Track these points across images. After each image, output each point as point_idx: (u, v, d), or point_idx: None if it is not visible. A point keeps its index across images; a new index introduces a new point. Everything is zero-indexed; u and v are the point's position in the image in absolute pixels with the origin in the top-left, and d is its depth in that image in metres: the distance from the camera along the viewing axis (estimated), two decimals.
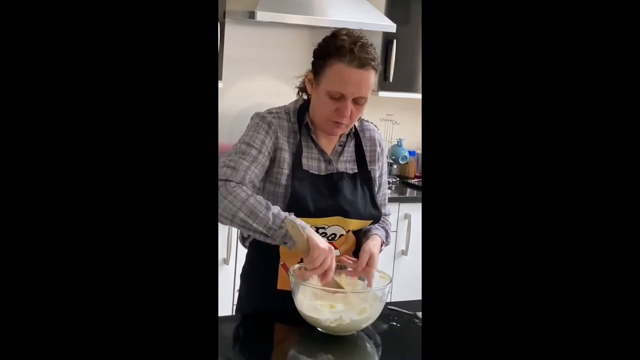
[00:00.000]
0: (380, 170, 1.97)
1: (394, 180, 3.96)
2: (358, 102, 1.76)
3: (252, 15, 3.25)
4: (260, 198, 1.69)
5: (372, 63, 1.74)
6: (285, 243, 1.68)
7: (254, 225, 1.66)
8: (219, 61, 3.32)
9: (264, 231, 1.67)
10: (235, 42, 3.61)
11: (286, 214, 1.68)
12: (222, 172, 1.72)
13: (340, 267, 1.82)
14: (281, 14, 3.30)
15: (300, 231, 1.64)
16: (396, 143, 4.00)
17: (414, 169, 4.07)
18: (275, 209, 1.68)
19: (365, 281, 1.82)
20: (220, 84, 3.40)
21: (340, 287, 1.74)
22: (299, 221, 1.67)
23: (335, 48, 1.73)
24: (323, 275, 1.67)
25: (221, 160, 1.75)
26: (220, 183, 1.69)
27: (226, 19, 3.41)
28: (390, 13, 3.70)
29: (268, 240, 1.69)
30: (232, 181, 1.70)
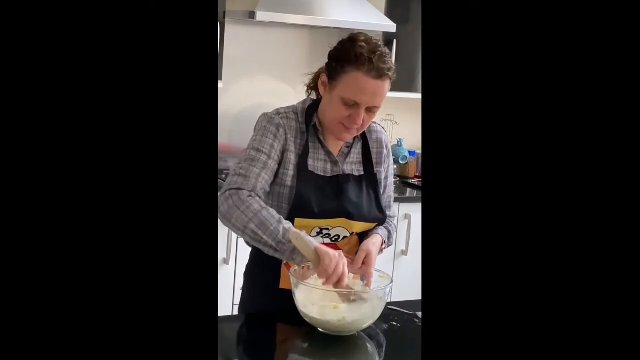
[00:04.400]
0: (386, 172, 1.97)
1: (394, 180, 3.95)
2: (371, 110, 1.77)
3: (252, 15, 3.25)
4: (273, 212, 1.68)
5: (389, 73, 1.74)
6: (293, 259, 1.66)
7: (264, 237, 1.64)
8: (219, 61, 3.31)
9: (274, 244, 1.65)
10: (235, 42, 3.61)
11: (297, 230, 1.66)
12: (234, 180, 1.71)
13: None
14: (281, 14, 3.30)
15: (306, 242, 1.63)
16: (396, 143, 4.00)
17: (414, 169, 4.07)
18: (287, 224, 1.67)
19: (365, 281, 1.82)
20: (220, 84, 3.40)
21: (351, 288, 1.72)
22: (306, 236, 1.65)
23: (354, 55, 1.72)
24: (338, 283, 1.63)
25: (231, 168, 1.75)
26: (232, 192, 1.68)
27: (226, 19, 3.41)
28: (390, 13, 3.70)
29: (277, 255, 1.67)
30: (244, 190, 1.69)
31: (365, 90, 1.72)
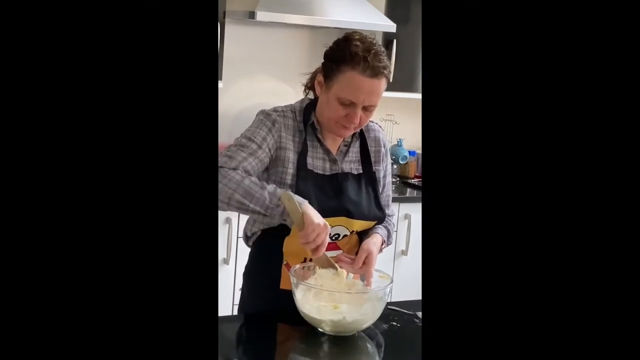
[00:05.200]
0: (385, 171, 1.97)
1: (394, 180, 3.95)
2: (368, 109, 1.77)
3: (252, 15, 3.25)
4: (254, 179, 1.69)
5: (384, 71, 1.73)
6: (284, 220, 1.67)
7: (251, 205, 1.66)
8: (219, 61, 3.31)
9: (262, 211, 1.66)
10: (235, 42, 3.61)
11: (282, 190, 1.68)
12: (219, 161, 1.72)
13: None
14: (281, 14, 3.30)
15: (296, 205, 1.64)
16: (396, 143, 4.00)
17: (414, 169, 4.07)
18: (271, 187, 1.68)
19: (365, 281, 1.82)
20: (220, 84, 3.40)
21: (332, 264, 1.73)
22: (297, 197, 1.67)
23: (349, 54, 1.72)
24: (315, 251, 1.65)
25: (220, 152, 1.76)
26: None
27: (226, 19, 3.41)
28: (390, 13, 3.70)
29: (267, 220, 1.69)
30: (226, 167, 1.70)
31: (361, 89, 1.72)
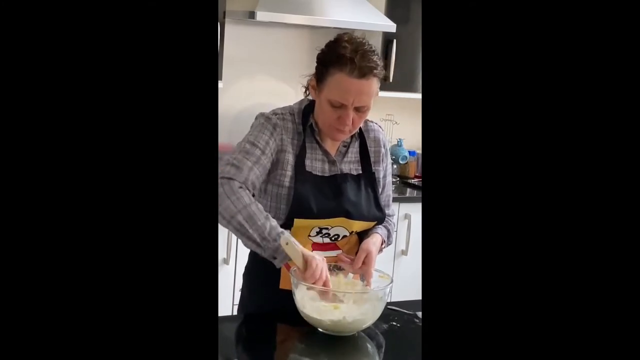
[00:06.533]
0: (384, 171, 1.96)
1: (394, 180, 3.95)
2: (360, 110, 1.75)
3: (252, 15, 3.25)
4: (261, 207, 1.69)
5: (374, 71, 1.71)
6: (274, 258, 1.67)
7: (250, 231, 1.65)
8: (219, 61, 3.31)
9: (258, 240, 1.66)
10: (235, 42, 3.61)
11: (284, 231, 1.68)
12: (226, 170, 1.71)
13: (339, 269, 1.82)
14: (281, 14, 3.30)
15: (296, 248, 1.64)
16: (396, 143, 4.00)
17: (414, 169, 4.07)
18: (274, 222, 1.68)
19: (365, 281, 1.82)
20: (220, 84, 3.40)
21: (337, 297, 1.72)
22: (293, 239, 1.66)
23: (336, 56, 1.71)
24: (323, 289, 1.66)
25: (225, 158, 1.75)
26: (223, 181, 1.68)
27: (226, 19, 3.41)
28: (390, 13, 3.70)
29: (259, 251, 1.68)
30: (236, 180, 1.69)
31: (349, 90, 1.71)
